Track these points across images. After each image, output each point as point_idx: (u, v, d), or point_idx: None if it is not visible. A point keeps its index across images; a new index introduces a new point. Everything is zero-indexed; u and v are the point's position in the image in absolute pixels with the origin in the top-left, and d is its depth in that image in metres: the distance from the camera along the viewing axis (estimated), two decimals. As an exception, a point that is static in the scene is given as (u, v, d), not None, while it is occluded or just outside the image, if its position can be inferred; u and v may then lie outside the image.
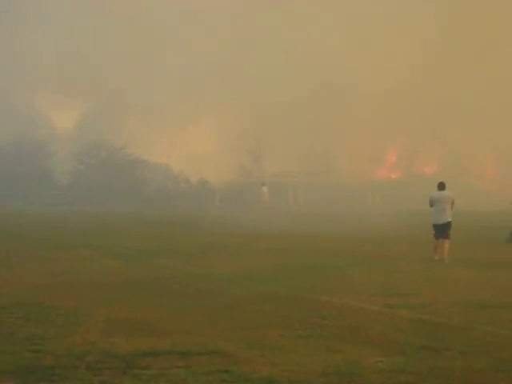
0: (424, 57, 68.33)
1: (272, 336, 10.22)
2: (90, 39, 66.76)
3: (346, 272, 17.77)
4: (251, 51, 69.54)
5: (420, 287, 14.94)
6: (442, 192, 20.32)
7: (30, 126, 67.22)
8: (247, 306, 12.89)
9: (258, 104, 71.06)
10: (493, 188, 76.12)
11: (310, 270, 18.03)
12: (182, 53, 68.56)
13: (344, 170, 74.31)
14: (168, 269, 18.52)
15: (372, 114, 69.86)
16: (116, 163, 65.10)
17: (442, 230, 19.85)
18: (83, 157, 66.33)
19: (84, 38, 67.02)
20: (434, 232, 20.10)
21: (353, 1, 68.86)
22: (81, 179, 63.68)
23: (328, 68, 70.69)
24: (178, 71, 69.35)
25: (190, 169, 67.89)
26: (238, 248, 24.04)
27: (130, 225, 36.41)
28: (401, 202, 62.22)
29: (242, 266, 19.07)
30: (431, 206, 20.23)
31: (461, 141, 75.02)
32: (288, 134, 70.70)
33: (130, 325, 11.06)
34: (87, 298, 13.70)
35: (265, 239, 27.00)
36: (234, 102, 72.10)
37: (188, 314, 12.06)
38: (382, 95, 69.18)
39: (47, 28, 63.80)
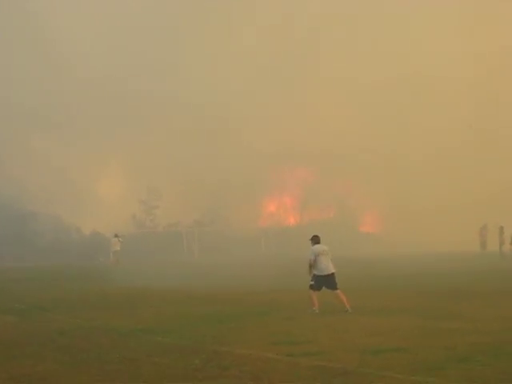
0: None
1: (173, 388, 10.31)
2: None
3: (245, 321, 17.92)
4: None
5: (318, 335, 15.20)
6: (321, 245, 20.45)
7: None
8: (146, 358, 12.87)
9: (148, 154, 71.40)
10: (379, 234, 78.52)
11: (208, 320, 18.11)
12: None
13: (232, 219, 75.06)
14: (63, 323, 18.29)
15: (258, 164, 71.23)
16: (7, 216, 63.66)
17: (329, 281, 19.90)
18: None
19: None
20: (313, 283, 19.95)
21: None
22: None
23: (214, 119, 71.82)
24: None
25: (81, 219, 67.20)
26: (134, 300, 23.92)
27: (25, 279, 35.70)
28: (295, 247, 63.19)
29: (138, 317, 19.03)
30: (314, 258, 20.05)
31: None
32: (177, 183, 71.06)
33: (28, 381, 10.95)
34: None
35: (162, 291, 26.96)
36: (123, 154, 72.18)
37: (85, 369, 11.98)
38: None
39: None
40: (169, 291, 26.86)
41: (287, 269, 37.60)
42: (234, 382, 10.68)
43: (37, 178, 65.14)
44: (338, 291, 19.79)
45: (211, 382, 10.71)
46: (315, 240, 20.48)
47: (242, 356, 12.75)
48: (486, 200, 66.15)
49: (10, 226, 61.84)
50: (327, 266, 19.97)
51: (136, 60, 70.46)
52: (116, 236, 49.95)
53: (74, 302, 23.70)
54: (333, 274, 19.96)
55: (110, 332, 16.37)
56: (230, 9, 71.76)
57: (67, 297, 25.51)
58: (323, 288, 19.88)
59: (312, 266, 20.03)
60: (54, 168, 67.48)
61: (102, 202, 67.43)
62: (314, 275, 20.01)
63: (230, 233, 73.25)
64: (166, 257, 59.28)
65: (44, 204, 63.72)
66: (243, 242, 71.04)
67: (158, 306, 22.04)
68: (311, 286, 19.95)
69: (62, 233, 65.35)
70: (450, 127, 70.39)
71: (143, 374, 11.46)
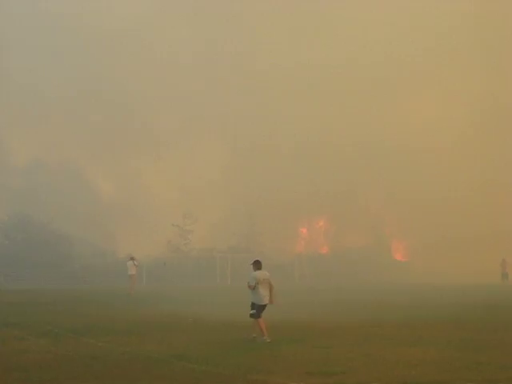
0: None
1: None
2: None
3: (279, 349, 17.62)
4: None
5: (354, 365, 14.86)
6: (263, 271, 20.10)
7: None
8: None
9: (185, 178, 71.75)
10: (413, 262, 78.16)
11: (241, 348, 17.86)
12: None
13: (268, 246, 74.92)
14: (96, 347, 18.10)
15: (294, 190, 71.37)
16: (42, 238, 63.96)
17: (263, 309, 19.77)
18: (9, 231, 65.12)
19: None
20: (254, 312, 19.69)
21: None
22: (5, 254, 62.27)
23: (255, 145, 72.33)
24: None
25: (116, 244, 67.42)
26: (166, 325, 23.73)
27: (59, 302, 35.67)
28: (330, 277, 62.99)
29: (171, 343, 18.82)
30: (254, 285, 19.76)
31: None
32: (213, 209, 71.22)
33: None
34: (14, 378, 13.29)
35: (194, 317, 26.75)
36: (158, 174, 72.63)
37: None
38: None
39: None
40: (201, 317, 26.61)
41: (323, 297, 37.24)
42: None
43: (73, 202, 65.66)
44: (262, 319, 19.57)
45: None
46: (257, 265, 20.09)
47: (278, 387, 12.48)
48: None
49: (44, 249, 62.23)
50: (265, 296, 19.75)
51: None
52: (132, 259, 46.28)
53: (107, 326, 23.49)
54: (266, 304, 19.81)
55: (143, 358, 16.13)
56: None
57: (100, 321, 25.34)
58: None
59: (252, 292, 19.85)
60: (90, 191, 67.95)
61: (138, 227, 67.67)
62: (253, 304, 19.81)
63: (265, 259, 72.94)
64: (199, 282, 59.23)
65: (79, 228, 64.02)
66: (277, 268, 70.73)
67: (191, 332, 21.82)
68: (252, 315, 19.75)
69: (98, 257, 65.63)
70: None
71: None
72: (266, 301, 19.76)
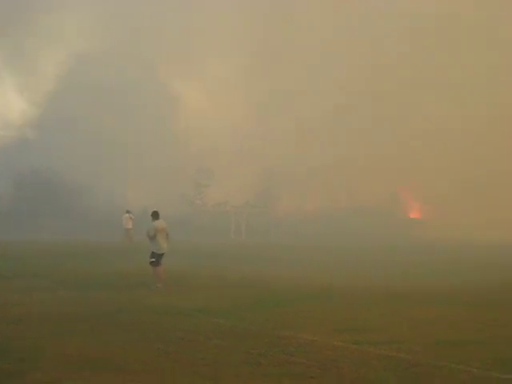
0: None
1: (241, 373, 9.90)
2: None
3: (303, 305, 17.49)
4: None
5: (384, 323, 14.72)
6: (161, 221, 21.25)
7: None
8: (205, 341, 12.47)
9: (203, 129, 71.35)
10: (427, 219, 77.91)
11: (264, 304, 17.74)
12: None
13: (284, 202, 74.83)
14: (121, 300, 18.01)
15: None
16: (60, 190, 63.96)
17: (161, 257, 21.01)
18: (32, 185, 65.11)
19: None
20: (153, 260, 20.87)
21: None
22: (21, 206, 62.38)
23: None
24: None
25: (132, 198, 67.29)
26: (188, 280, 23.62)
27: (81, 254, 35.63)
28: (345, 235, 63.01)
29: (194, 298, 18.71)
30: (153, 235, 20.82)
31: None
32: (231, 163, 70.96)
33: (90, 360, 10.61)
34: (42, 330, 13.18)
35: (213, 272, 26.69)
36: (175, 130, 72.22)
37: (146, 350, 11.61)
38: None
39: None
40: (220, 272, 26.55)
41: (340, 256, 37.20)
42: (300, 369, 10.20)
43: (89, 151, 65.41)
44: (161, 266, 20.93)
45: (277, 368, 10.24)
46: (155, 216, 21.26)
47: (307, 342, 12.29)
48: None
49: (63, 201, 62.33)
50: (164, 245, 21.00)
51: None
52: (128, 212, 44.46)
53: (131, 279, 23.38)
54: (164, 253, 21.06)
55: (168, 311, 16.01)
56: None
57: (124, 273, 25.22)
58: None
59: (151, 241, 20.97)
60: (106, 142, 67.68)
61: (153, 179, 67.47)
62: (153, 253, 20.91)
63: (280, 215, 73.08)
64: (212, 237, 59.15)
65: (96, 179, 63.85)
66: (290, 224, 70.82)
67: (213, 286, 21.72)
68: (152, 263, 20.91)
69: (115, 208, 65.64)
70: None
71: (204, 356, 11.04)
72: (163, 250, 21.00)
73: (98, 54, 69.99)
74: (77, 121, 66.98)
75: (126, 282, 22.11)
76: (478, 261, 34.19)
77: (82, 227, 57.70)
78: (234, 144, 71.98)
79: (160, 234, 20.80)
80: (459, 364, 10.61)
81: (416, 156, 73.38)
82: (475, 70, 69.02)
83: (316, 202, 79.43)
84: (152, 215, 21.40)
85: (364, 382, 9.58)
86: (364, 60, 72.72)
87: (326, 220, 72.38)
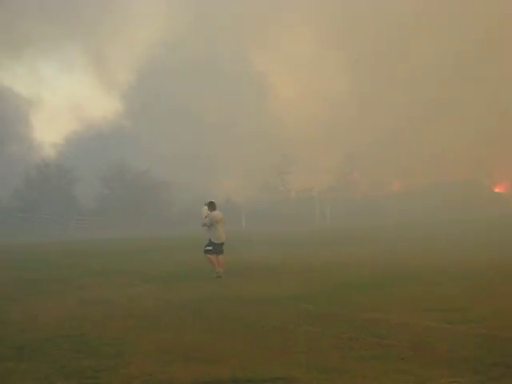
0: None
1: (332, 358, 9.78)
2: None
3: (390, 288, 17.35)
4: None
5: (472, 301, 14.47)
6: (220, 212, 21.58)
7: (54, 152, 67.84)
8: (295, 327, 12.42)
9: (282, 120, 71.38)
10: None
11: (351, 287, 17.68)
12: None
13: (364, 184, 74.55)
14: (206, 291, 18.12)
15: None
16: (141, 186, 64.96)
17: (221, 247, 21.19)
18: (108, 181, 66.32)
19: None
20: (210, 248, 21.11)
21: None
22: (106, 204, 63.61)
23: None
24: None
25: (214, 187, 67.74)
26: (275, 268, 23.67)
27: (163, 248, 36.14)
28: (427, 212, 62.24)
29: (282, 285, 18.70)
30: (210, 224, 21.18)
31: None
32: (309, 150, 70.93)
33: (181, 352, 10.64)
34: (130, 325, 13.34)
35: (300, 258, 26.70)
36: (258, 118, 72.53)
37: (236, 339, 11.61)
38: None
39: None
40: (306, 258, 26.59)
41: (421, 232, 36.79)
42: (393, 351, 10.05)
43: (169, 147, 66.24)
44: (222, 256, 21.20)
45: (370, 351, 10.12)
46: (212, 206, 21.48)
47: (398, 324, 12.12)
48: None
49: (142, 196, 63.25)
50: (222, 234, 21.30)
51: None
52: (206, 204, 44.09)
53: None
54: (224, 242, 21.29)
55: (256, 300, 16.03)
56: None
57: (206, 265, 25.42)
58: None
59: (209, 230, 21.27)
60: (186, 138, 68.29)
61: (235, 170, 67.86)
62: (211, 242, 21.12)
63: (361, 198, 72.83)
64: (297, 224, 59.17)
65: (177, 174, 64.60)
66: (373, 206, 70.42)
67: (300, 273, 21.72)
68: (208, 251, 21.12)
69: (196, 202, 66.18)
70: None
71: (296, 343, 10.99)
72: (221, 239, 21.28)
73: (190, 41, 70.99)
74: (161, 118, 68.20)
75: (210, 274, 22.27)
76: None
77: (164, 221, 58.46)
78: (316, 131, 72.03)
79: (219, 224, 21.14)
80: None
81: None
82: None
83: (399, 181, 78.92)
84: (208, 205, 21.60)
85: (458, 360, 9.38)
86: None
87: (411, 197, 71.82)
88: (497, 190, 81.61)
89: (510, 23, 70.15)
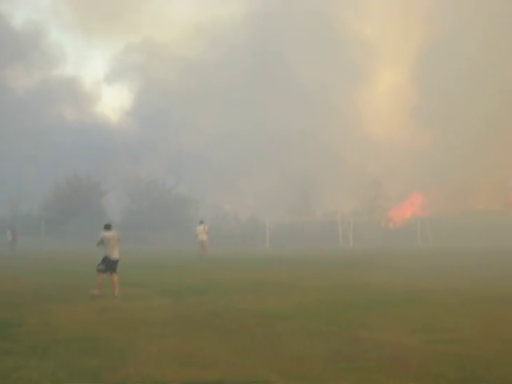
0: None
1: (315, 368, 10.69)
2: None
3: (391, 308, 18.13)
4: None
5: (459, 324, 15.21)
6: (113, 231, 22.29)
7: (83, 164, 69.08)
8: (289, 339, 13.32)
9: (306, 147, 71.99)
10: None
11: (357, 307, 18.42)
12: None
13: (389, 210, 74.83)
14: (216, 305, 18.92)
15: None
16: (167, 203, 65.97)
17: (114, 265, 21.83)
18: (136, 196, 67.44)
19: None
20: (103, 267, 21.63)
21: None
22: (132, 218, 64.62)
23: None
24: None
25: (240, 207, 68.66)
26: (283, 285, 24.46)
27: (182, 262, 37.11)
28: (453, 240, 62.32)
29: (288, 302, 19.48)
30: (101, 243, 21.94)
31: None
32: (334, 173, 71.53)
33: (180, 357, 11.57)
34: (139, 331, 14.25)
35: (313, 277, 27.43)
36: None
37: (233, 347, 12.52)
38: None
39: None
40: (319, 277, 27.34)
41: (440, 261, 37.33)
42: (372, 365, 10.94)
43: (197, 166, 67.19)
44: (115, 274, 21.73)
45: (350, 364, 11.01)
46: (108, 227, 22.30)
47: (383, 342, 12.98)
48: None
49: (168, 212, 64.23)
50: (115, 252, 21.92)
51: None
52: (201, 223, 41.63)
53: (228, 285, 24.46)
54: (118, 259, 21.97)
55: (260, 314, 16.85)
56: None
57: (222, 280, 26.37)
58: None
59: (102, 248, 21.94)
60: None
61: (259, 191, 68.58)
62: (104, 258, 21.84)
63: (385, 223, 73.21)
64: (321, 245, 59.85)
65: (203, 193, 65.57)
66: (399, 231, 70.83)
67: (309, 291, 22.45)
68: (100, 270, 21.65)
69: (221, 219, 67.14)
70: None
71: (285, 352, 11.94)
72: (113, 256, 21.90)
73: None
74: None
75: (221, 289, 23.15)
76: None
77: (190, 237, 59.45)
78: (339, 154, 72.63)
79: (110, 242, 21.91)
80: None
81: None
82: None
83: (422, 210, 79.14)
84: (107, 227, 22.42)
85: (427, 375, 10.25)
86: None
87: (435, 225, 72.08)
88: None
89: None
